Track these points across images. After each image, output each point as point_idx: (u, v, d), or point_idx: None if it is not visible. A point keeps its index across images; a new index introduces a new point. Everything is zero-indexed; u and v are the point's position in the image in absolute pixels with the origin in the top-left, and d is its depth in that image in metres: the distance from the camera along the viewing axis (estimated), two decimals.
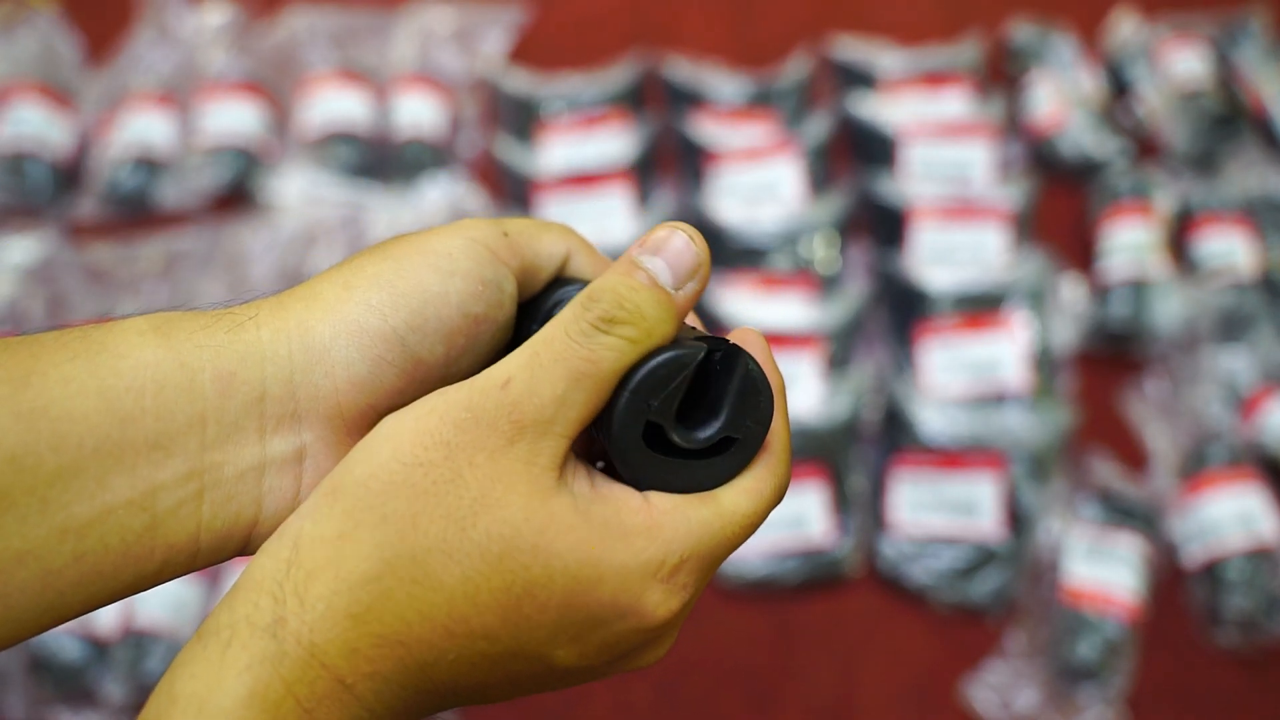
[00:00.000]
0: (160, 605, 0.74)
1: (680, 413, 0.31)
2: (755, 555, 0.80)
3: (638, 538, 0.29)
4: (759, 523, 0.31)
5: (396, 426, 0.29)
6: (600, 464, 0.33)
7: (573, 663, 0.29)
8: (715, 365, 0.31)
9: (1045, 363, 0.86)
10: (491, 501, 0.28)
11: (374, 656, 0.27)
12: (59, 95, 0.99)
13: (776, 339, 0.85)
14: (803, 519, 0.80)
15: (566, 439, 0.29)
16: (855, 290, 0.90)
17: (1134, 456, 0.86)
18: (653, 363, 0.29)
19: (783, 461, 0.32)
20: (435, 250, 0.31)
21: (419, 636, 0.28)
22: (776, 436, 0.32)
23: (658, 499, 0.30)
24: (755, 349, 0.32)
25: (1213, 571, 0.78)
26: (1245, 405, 0.85)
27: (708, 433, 0.30)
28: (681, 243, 0.30)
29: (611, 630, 0.29)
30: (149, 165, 0.95)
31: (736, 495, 0.31)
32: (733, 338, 0.32)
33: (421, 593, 0.27)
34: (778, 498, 0.32)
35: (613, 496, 0.30)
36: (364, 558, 0.27)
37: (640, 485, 0.30)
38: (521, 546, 0.28)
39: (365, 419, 0.31)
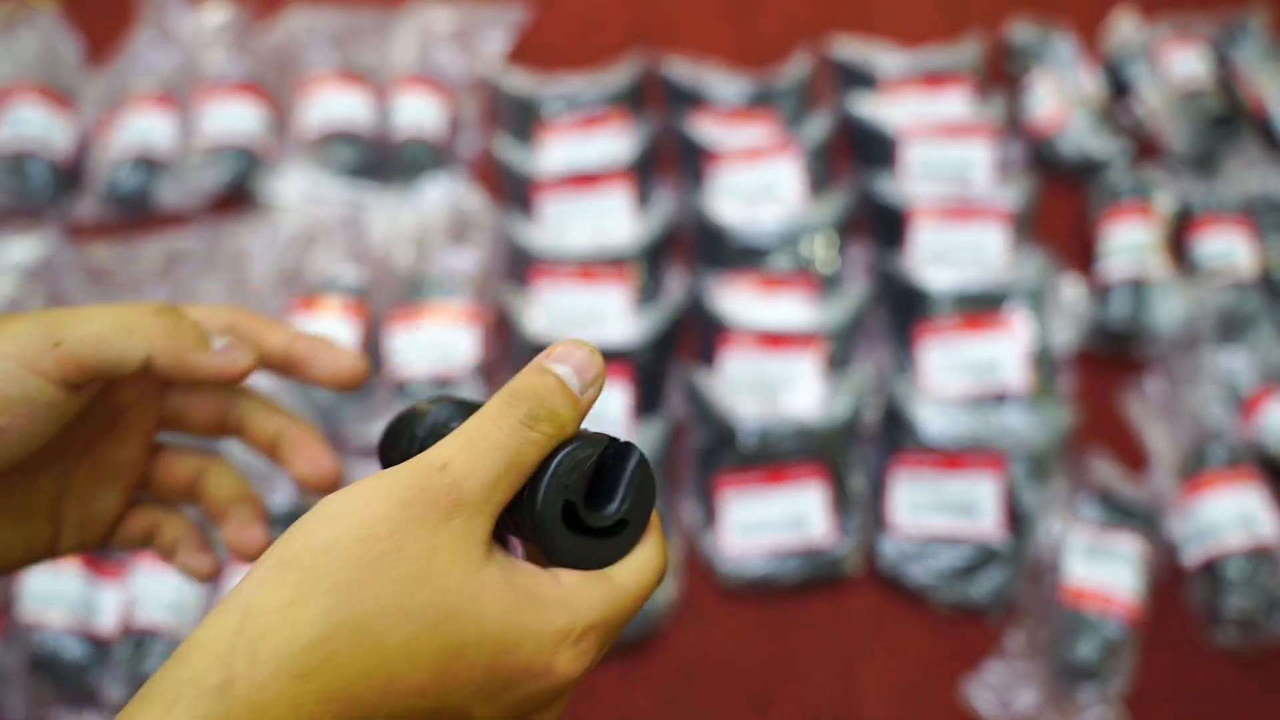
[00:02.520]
0: (160, 604, 0.75)
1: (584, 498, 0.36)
2: (755, 555, 0.80)
3: (552, 607, 0.33)
4: (648, 595, 0.36)
5: (341, 505, 0.32)
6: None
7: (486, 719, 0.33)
8: (610, 458, 0.36)
9: (1045, 363, 0.86)
10: (433, 572, 0.31)
11: (317, 713, 0.30)
12: (59, 95, 0.99)
13: (776, 339, 0.85)
14: (803, 519, 0.80)
15: (494, 518, 0.33)
16: (855, 290, 0.90)
17: (1134, 456, 0.86)
18: (568, 450, 0.35)
19: (663, 544, 0.37)
20: None
21: (360, 694, 0.30)
22: (655, 525, 0.36)
23: (564, 575, 0.34)
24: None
25: (1213, 571, 0.78)
26: (1245, 405, 0.85)
27: (609, 510, 0.36)
28: (585, 355, 0.36)
29: (524, 690, 0.33)
30: (149, 165, 0.96)
31: (628, 574, 0.35)
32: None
33: (365, 654, 0.30)
34: (661, 576, 0.36)
35: (528, 570, 0.34)
36: (313, 622, 0.30)
37: (553, 558, 0.35)
38: (458, 612, 0.31)
39: None
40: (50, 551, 0.39)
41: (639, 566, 0.35)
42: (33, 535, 0.38)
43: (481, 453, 0.32)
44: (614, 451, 0.36)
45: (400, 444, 0.38)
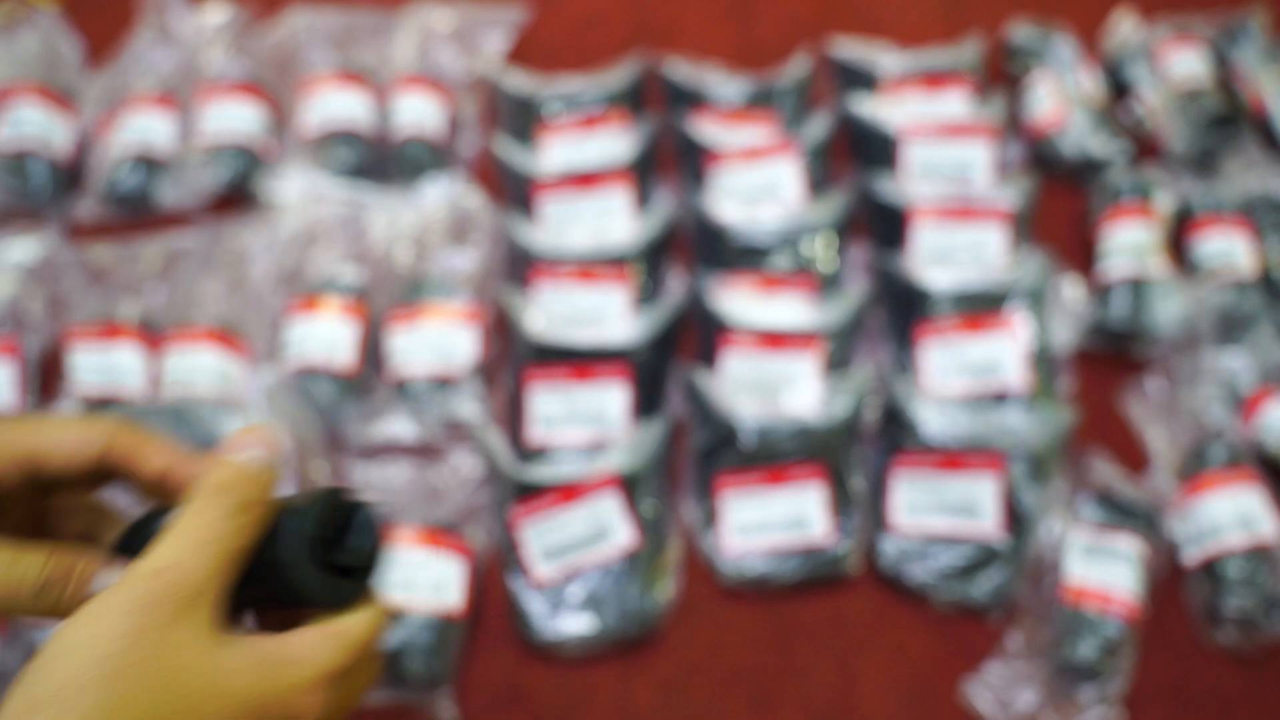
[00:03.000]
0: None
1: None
2: (755, 555, 0.80)
3: (287, 666, 0.36)
4: (374, 639, 0.39)
5: (75, 636, 0.34)
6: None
7: None
8: (334, 506, 0.39)
9: (1045, 363, 0.86)
10: (174, 668, 0.34)
11: None
12: (59, 95, 0.99)
13: (777, 339, 0.85)
14: (803, 519, 0.80)
15: (220, 604, 0.36)
16: (855, 290, 0.90)
17: (1134, 456, 0.86)
18: (290, 513, 0.38)
19: (378, 597, 0.40)
20: None
21: None
22: (378, 571, 0.40)
23: (294, 635, 0.37)
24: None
25: (1212, 571, 0.78)
26: (1245, 405, 0.85)
27: (348, 549, 0.39)
28: (259, 436, 0.39)
29: None
30: (149, 165, 0.96)
31: (353, 623, 0.39)
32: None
33: None
34: (380, 622, 0.40)
35: (261, 639, 0.37)
36: None
37: (310, 601, 0.38)
38: (206, 696, 0.35)
39: None
40: None
41: (363, 616, 0.39)
42: None
43: (196, 548, 0.36)
44: (334, 500, 0.39)
45: (134, 547, 0.40)
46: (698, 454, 0.83)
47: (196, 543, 0.36)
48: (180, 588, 0.35)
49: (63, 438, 0.40)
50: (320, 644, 0.38)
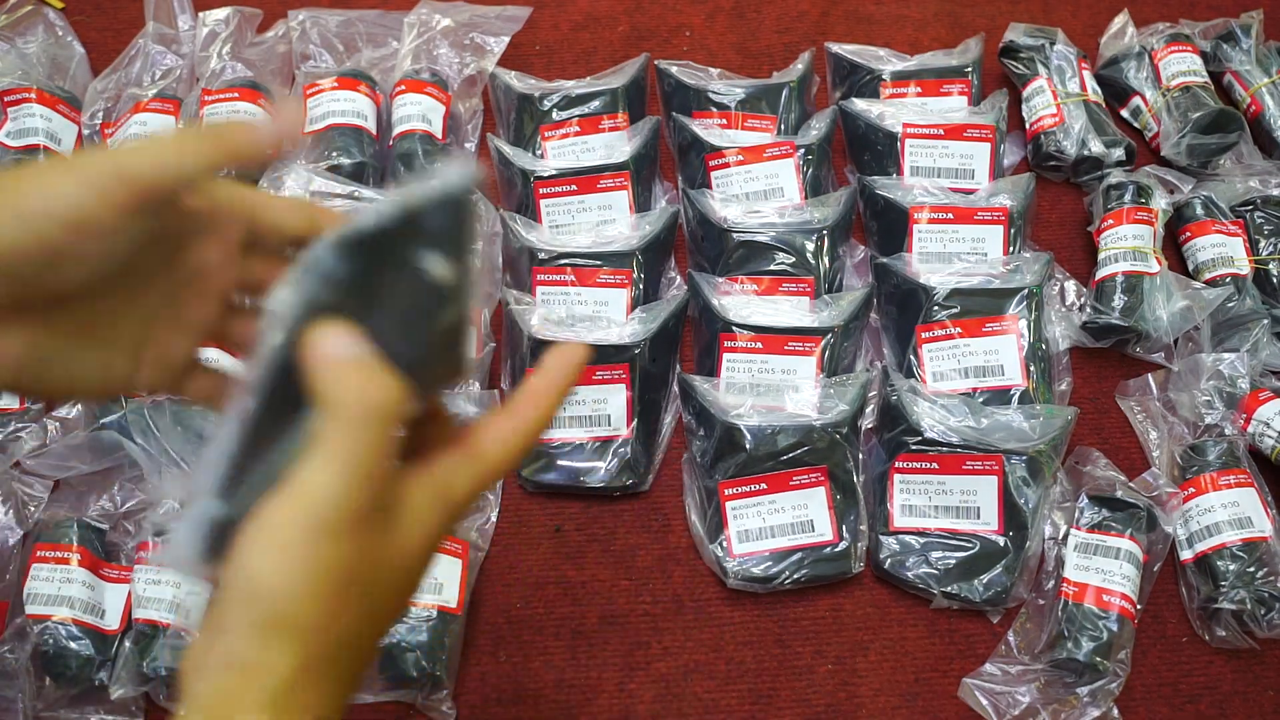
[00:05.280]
0: (160, 602, 0.75)
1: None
2: (756, 555, 0.80)
3: (454, 505, 0.39)
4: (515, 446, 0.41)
5: (265, 569, 0.35)
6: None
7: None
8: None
9: (1044, 362, 0.86)
10: (373, 576, 0.37)
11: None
12: (64, 96, 0.99)
13: (777, 339, 0.85)
14: (803, 519, 0.80)
15: (383, 504, 0.37)
16: (855, 290, 0.90)
17: (1132, 456, 0.87)
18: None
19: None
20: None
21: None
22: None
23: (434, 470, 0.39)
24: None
25: (1209, 569, 0.79)
26: (1243, 405, 0.85)
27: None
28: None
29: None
30: None
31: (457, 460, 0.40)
32: None
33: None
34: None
35: (424, 492, 0.39)
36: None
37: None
38: (410, 572, 0.39)
39: None
40: (126, 385, 0.43)
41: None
42: (111, 366, 0.42)
43: (346, 473, 0.36)
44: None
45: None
46: (698, 454, 0.83)
47: (347, 467, 0.36)
48: (343, 511, 0.35)
49: (278, 204, 0.43)
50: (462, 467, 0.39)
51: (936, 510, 0.81)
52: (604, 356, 0.84)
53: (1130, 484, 0.82)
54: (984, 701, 0.76)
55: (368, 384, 0.37)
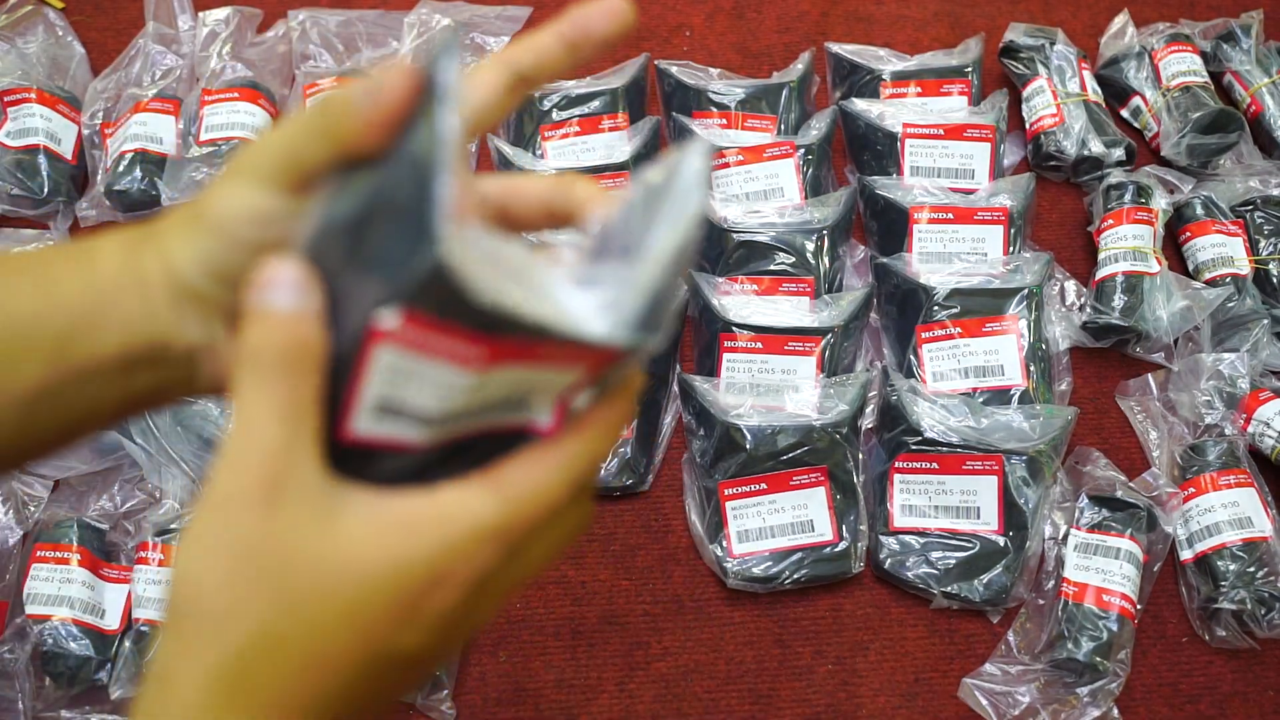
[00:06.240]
0: (160, 602, 0.75)
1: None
2: (756, 555, 0.80)
3: (431, 524, 0.32)
4: (559, 489, 0.33)
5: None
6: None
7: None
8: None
9: (1044, 362, 0.86)
10: (284, 562, 0.31)
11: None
12: (64, 96, 0.99)
13: (777, 339, 0.85)
14: (804, 519, 0.80)
15: (319, 469, 0.32)
16: (855, 290, 0.90)
17: (1133, 456, 0.87)
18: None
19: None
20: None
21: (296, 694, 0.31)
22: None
23: (433, 490, 0.32)
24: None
25: (1209, 569, 0.79)
26: (1243, 405, 0.85)
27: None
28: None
29: (432, 602, 0.31)
30: (151, 165, 0.96)
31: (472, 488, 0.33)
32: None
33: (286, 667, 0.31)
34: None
35: (396, 496, 0.32)
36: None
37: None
38: (331, 578, 0.31)
39: None
40: (188, 389, 0.38)
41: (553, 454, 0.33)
42: (169, 377, 0.38)
43: (264, 425, 0.30)
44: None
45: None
46: (698, 454, 0.83)
47: (264, 420, 0.30)
48: (260, 475, 0.30)
49: (529, 185, 0.39)
50: (478, 495, 0.32)
51: (936, 510, 0.81)
52: None
53: (1130, 484, 0.82)
54: (984, 701, 0.76)
55: (288, 328, 0.30)
